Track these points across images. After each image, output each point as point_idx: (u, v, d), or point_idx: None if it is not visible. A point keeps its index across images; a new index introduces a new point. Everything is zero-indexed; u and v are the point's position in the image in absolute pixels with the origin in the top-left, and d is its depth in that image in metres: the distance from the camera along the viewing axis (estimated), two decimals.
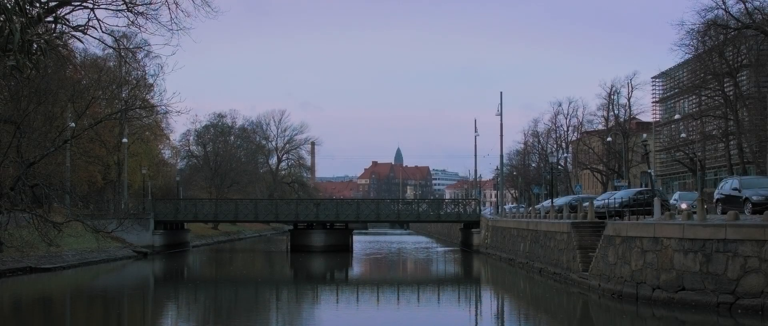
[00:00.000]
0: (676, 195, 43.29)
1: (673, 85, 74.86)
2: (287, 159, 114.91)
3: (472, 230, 61.72)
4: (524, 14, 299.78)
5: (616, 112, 79.85)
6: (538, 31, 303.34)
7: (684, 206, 31.09)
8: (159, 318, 28.02)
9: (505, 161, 73.74)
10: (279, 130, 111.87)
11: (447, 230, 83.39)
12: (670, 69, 72.47)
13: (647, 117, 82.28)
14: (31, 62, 17.66)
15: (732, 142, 57.56)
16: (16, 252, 40.39)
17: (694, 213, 26.98)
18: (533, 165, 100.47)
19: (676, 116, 69.72)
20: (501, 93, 76.14)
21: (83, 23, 41.21)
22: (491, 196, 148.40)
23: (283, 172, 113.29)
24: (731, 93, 55.44)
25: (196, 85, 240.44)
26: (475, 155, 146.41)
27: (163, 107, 63.28)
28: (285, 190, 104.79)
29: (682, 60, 63.36)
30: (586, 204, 38.46)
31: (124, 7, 41.05)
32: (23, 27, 16.38)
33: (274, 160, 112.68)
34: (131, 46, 54.61)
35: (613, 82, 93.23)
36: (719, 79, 55.69)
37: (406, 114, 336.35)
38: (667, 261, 24.95)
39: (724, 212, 29.90)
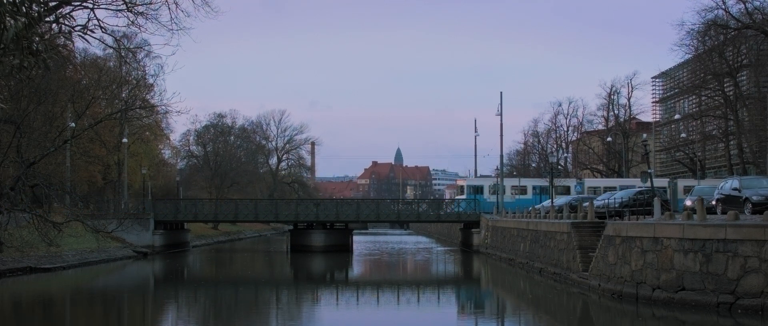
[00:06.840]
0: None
1: (673, 85, 74.93)
2: (287, 159, 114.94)
3: (472, 230, 61.68)
4: (527, 14, 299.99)
5: (616, 112, 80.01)
6: (539, 31, 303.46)
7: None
8: (159, 319, 28.01)
9: (505, 161, 73.67)
10: (279, 130, 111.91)
11: (447, 230, 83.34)
12: (670, 69, 72.56)
13: (647, 117, 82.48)
14: (35, 61, 17.61)
15: (732, 142, 57.60)
16: (16, 252, 40.40)
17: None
18: (533, 165, 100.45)
19: (676, 116, 69.76)
20: (501, 93, 76.09)
21: (83, 23, 41.21)
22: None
23: (283, 172, 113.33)
24: (731, 93, 55.49)
25: (202, 85, 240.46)
26: (475, 155, 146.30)
27: (163, 107, 63.41)
28: (285, 190, 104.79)
29: (682, 60, 63.48)
30: (586, 204, 38.42)
31: (124, 7, 41.01)
32: (25, 26, 16.37)
33: (274, 160, 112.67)
34: (131, 46, 54.65)
35: (613, 82, 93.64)
36: (719, 79, 55.75)
37: (407, 114, 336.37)
38: (667, 261, 24.94)
39: (724, 212, 29.89)
